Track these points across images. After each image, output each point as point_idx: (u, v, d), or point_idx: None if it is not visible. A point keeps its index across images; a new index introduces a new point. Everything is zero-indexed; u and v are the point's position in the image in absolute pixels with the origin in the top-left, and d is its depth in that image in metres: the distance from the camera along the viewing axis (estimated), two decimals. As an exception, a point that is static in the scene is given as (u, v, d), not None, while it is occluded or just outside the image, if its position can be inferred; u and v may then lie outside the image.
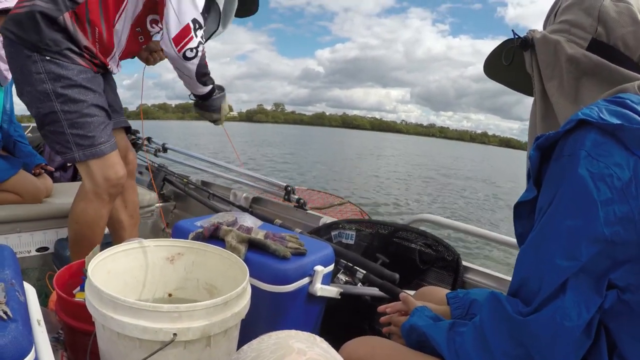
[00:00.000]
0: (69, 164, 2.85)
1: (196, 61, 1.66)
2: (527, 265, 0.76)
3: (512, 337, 0.72)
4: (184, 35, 1.58)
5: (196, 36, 1.60)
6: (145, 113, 2.34)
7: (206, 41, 1.73)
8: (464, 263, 1.68)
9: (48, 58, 1.55)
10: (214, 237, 1.42)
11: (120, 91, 1.96)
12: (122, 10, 1.64)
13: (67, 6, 1.56)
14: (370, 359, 0.94)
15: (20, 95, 1.66)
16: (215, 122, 2.02)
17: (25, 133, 2.36)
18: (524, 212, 0.83)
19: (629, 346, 0.68)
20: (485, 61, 1.06)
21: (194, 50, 1.62)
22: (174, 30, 1.56)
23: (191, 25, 1.58)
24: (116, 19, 1.64)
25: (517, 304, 0.75)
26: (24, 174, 2.09)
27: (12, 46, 1.58)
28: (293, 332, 0.71)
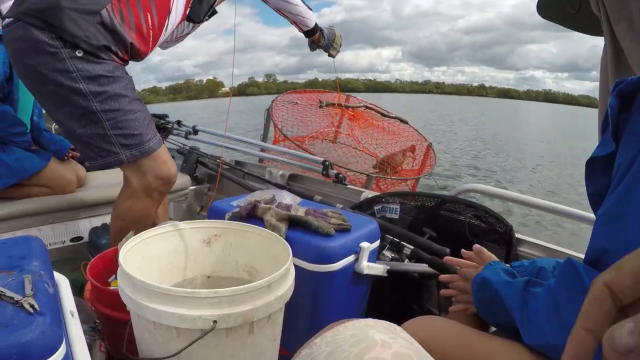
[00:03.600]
0: None
1: None
2: (606, 235, 0.65)
3: None
4: None
5: None
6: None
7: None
8: (517, 235, 1.57)
9: (80, 55, 1.40)
10: (251, 216, 1.34)
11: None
12: None
13: None
14: (432, 340, 0.85)
15: (39, 96, 1.50)
16: (330, 53, 2.25)
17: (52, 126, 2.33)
18: (598, 169, 0.71)
19: None
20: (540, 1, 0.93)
21: None
22: None
23: None
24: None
25: (595, 276, 0.65)
26: (54, 167, 2.06)
27: (27, 40, 1.38)
28: (371, 321, 0.62)
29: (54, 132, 2.34)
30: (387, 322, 0.63)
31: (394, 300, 1.66)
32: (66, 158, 2.16)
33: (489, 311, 0.91)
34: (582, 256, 0.72)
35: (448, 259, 1.12)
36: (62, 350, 0.75)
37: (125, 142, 1.47)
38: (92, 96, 1.42)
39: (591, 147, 0.75)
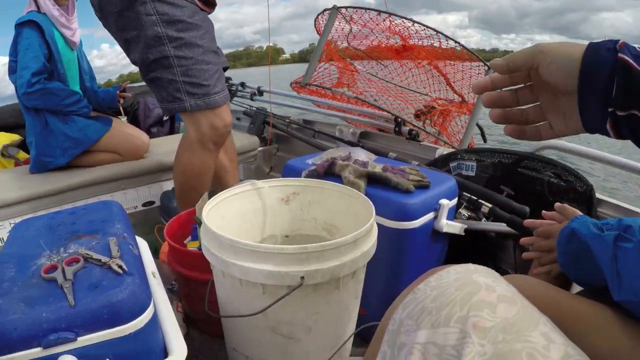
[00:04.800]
0: (165, 118, 2.86)
1: None
2: None
3: None
4: None
5: None
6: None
7: None
8: (598, 195, 1.48)
9: None
10: (329, 173, 1.33)
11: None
12: None
13: None
14: None
15: (122, 42, 1.55)
16: None
17: (124, 83, 2.38)
18: None
19: None
20: None
21: None
22: None
23: None
24: None
25: None
26: (120, 132, 2.11)
27: None
28: (471, 265, 0.60)
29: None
30: (486, 267, 0.61)
31: (469, 260, 1.62)
32: (120, 102, 2.22)
33: (575, 267, 0.86)
34: None
35: (528, 222, 1.07)
36: (151, 309, 0.77)
37: (192, 90, 1.48)
38: (168, 41, 1.44)
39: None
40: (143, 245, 1.13)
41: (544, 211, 1.04)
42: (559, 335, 0.52)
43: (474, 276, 0.56)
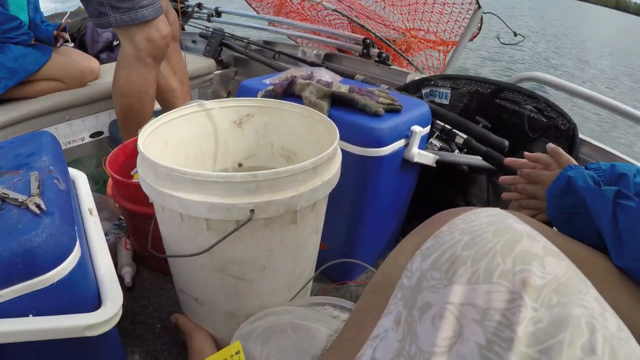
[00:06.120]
0: (115, 43, 2.63)
1: None
2: None
3: None
4: None
5: None
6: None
7: None
8: (581, 135, 1.38)
9: None
10: (288, 93, 1.17)
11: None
12: None
13: None
14: None
15: None
16: None
17: (64, 20, 2.13)
18: None
19: None
20: None
21: None
22: None
23: None
24: None
25: None
26: (61, 59, 1.90)
27: None
28: (502, 211, 0.48)
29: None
30: (515, 212, 0.51)
31: (438, 194, 1.53)
32: (57, 45, 1.98)
33: (568, 223, 0.75)
34: None
35: (510, 160, 0.95)
36: (75, 253, 0.65)
37: (116, 4, 1.35)
38: None
39: None
40: (80, 178, 0.98)
41: (526, 152, 0.92)
42: (604, 300, 0.42)
43: (509, 221, 0.45)
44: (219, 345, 0.99)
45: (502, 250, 0.41)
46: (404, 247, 0.51)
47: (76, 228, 0.70)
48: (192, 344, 0.97)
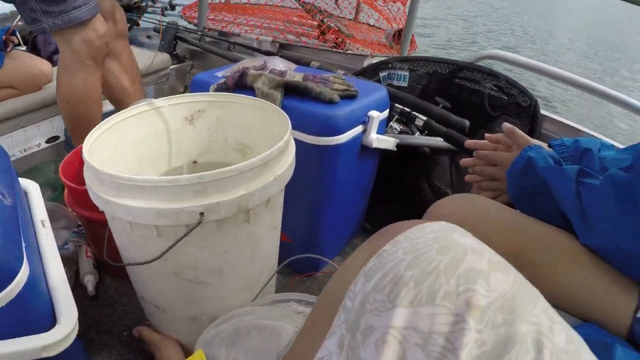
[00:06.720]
0: None
1: None
2: None
3: None
4: None
5: None
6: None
7: None
8: (542, 111, 1.38)
9: None
10: (240, 86, 1.13)
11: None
12: None
13: None
14: (475, 220, 0.71)
15: None
16: None
17: (14, 23, 2.01)
18: None
19: None
20: None
21: None
22: None
23: None
24: None
25: None
26: (11, 65, 1.79)
27: None
28: (448, 225, 0.45)
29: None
30: (453, 224, 0.47)
31: (401, 178, 1.51)
32: (7, 50, 1.89)
33: (529, 204, 0.74)
34: (613, 142, 0.61)
35: (470, 142, 0.93)
36: (23, 273, 0.60)
37: (47, 8, 1.28)
38: None
39: None
40: (32, 189, 0.92)
41: (487, 134, 0.90)
42: (554, 310, 0.40)
43: (455, 236, 0.43)
44: (187, 352, 0.96)
45: (445, 269, 0.39)
46: (355, 258, 0.49)
47: (24, 245, 0.65)
48: (159, 355, 0.94)
